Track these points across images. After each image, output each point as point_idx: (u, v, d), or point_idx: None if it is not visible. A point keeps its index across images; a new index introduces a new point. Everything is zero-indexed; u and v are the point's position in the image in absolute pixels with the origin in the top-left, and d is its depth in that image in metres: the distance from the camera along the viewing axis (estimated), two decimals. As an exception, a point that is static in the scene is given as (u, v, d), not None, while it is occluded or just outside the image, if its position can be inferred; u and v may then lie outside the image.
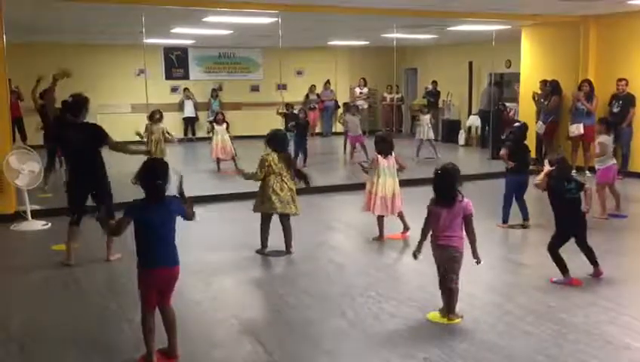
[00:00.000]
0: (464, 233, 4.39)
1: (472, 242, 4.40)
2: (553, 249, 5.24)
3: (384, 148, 6.59)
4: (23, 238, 7.25)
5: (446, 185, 4.34)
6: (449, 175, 4.36)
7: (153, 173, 3.73)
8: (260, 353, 4.03)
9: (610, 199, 7.68)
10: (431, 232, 4.42)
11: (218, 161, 11.37)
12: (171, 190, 3.84)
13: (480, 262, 4.44)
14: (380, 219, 6.69)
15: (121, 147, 6.14)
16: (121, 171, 5.70)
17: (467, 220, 4.35)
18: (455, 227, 4.32)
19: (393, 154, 6.65)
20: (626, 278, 5.49)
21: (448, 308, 4.45)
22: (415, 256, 4.49)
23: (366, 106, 17.25)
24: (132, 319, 4.45)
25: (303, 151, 11.80)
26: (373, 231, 6.98)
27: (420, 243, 4.47)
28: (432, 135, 13.01)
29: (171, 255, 3.80)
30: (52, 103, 6.16)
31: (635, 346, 4.04)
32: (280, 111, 12.54)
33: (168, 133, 10.35)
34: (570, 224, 5.26)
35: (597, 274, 5.31)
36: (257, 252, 6.21)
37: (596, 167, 7.68)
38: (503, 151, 7.27)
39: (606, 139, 7.52)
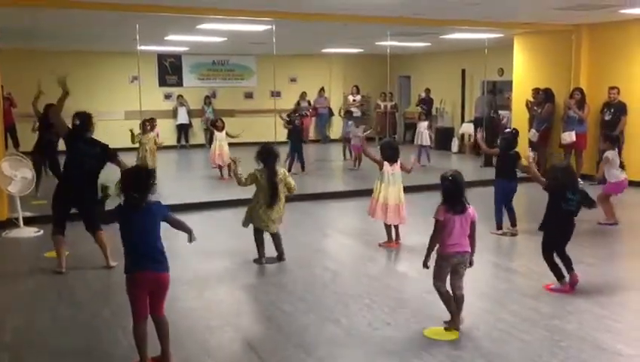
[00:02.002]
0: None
1: (474, 247, 4.44)
2: (548, 256, 5.25)
3: (391, 154, 6.61)
4: (15, 245, 7.21)
5: (459, 193, 4.34)
6: (460, 182, 4.36)
7: (131, 184, 3.76)
8: (253, 360, 4.03)
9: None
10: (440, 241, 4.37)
11: (220, 167, 11.36)
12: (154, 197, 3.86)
13: (472, 265, 4.47)
14: (387, 225, 6.70)
15: (123, 166, 6.12)
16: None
17: (473, 226, 4.38)
18: (465, 233, 4.36)
19: (399, 161, 6.68)
20: (619, 285, 5.52)
21: (458, 315, 4.41)
22: (427, 266, 4.42)
23: (359, 114, 17.29)
24: (125, 326, 4.42)
25: (300, 157, 11.82)
26: (368, 239, 7.00)
27: (429, 253, 4.41)
28: (428, 141, 13.09)
29: (157, 260, 3.78)
30: (60, 119, 6.21)
31: (627, 353, 4.06)
32: (284, 118, 12.52)
33: (156, 142, 10.37)
34: (556, 231, 5.26)
35: (573, 281, 5.22)
36: (255, 261, 6.19)
37: (608, 181, 7.71)
38: (479, 136, 7.67)
39: (612, 153, 7.62)
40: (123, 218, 3.80)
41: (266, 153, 5.99)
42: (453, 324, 4.39)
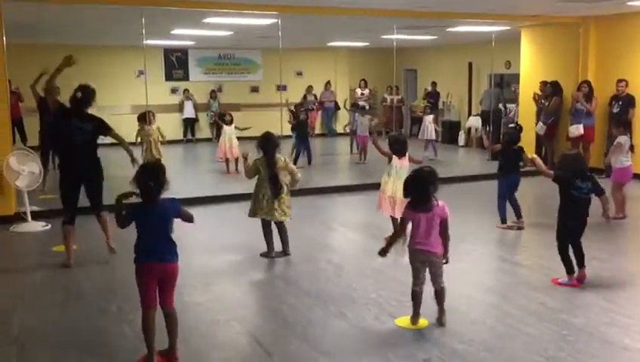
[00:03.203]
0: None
1: (446, 244, 4.33)
2: (562, 246, 5.21)
3: (399, 148, 6.57)
4: (23, 240, 7.25)
5: (421, 190, 4.26)
6: (423, 179, 4.27)
7: (146, 175, 3.79)
8: (260, 354, 4.04)
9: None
10: (409, 237, 4.40)
11: (227, 161, 11.39)
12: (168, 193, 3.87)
13: (447, 262, 4.40)
14: (394, 218, 6.69)
15: (120, 139, 6.16)
16: (115, 174, 5.71)
17: (443, 224, 4.28)
18: (434, 232, 4.26)
19: (407, 154, 6.65)
20: (626, 279, 5.50)
21: (440, 310, 4.41)
22: (382, 254, 4.46)
23: (367, 107, 17.25)
24: (132, 320, 4.46)
25: (307, 151, 11.83)
26: (374, 232, 6.99)
27: (391, 244, 4.46)
28: (434, 135, 13.05)
29: (166, 251, 3.80)
30: (53, 94, 6.15)
31: (634, 347, 4.05)
32: (291, 110, 12.57)
33: (161, 135, 10.48)
34: (570, 223, 5.21)
35: (581, 278, 5.22)
36: (263, 255, 6.19)
37: (613, 167, 7.69)
38: (487, 143, 7.32)
39: (624, 139, 7.56)
40: (138, 215, 3.81)
41: (265, 141, 5.97)
42: (414, 321, 4.40)
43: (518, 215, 7.22)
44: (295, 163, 10.89)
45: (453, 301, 4.83)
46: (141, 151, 10.11)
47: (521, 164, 7.17)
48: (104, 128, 5.99)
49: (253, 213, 6.13)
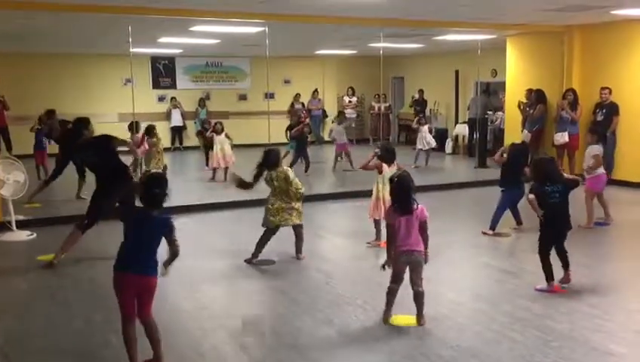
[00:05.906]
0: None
1: (426, 244, 4.50)
2: (544, 253, 5.25)
3: (388, 157, 6.70)
4: (8, 249, 7.18)
5: (405, 194, 4.45)
6: (404, 183, 4.46)
7: (151, 183, 3.86)
8: (246, 362, 4.03)
9: (598, 208, 7.72)
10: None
11: (214, 170, 11.41)
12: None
13: (427, 261, 4.54)
14: (377, 222, 6.73)
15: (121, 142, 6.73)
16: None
17: (423, 226, 4.47)
18: (414, 233, 4.44)
19: (396, 162, 6.74)
20: (611, 285, 5.55)
21: (419, 312, 4.52)
22: (384, 267, 4.58)
23: (354, 115, 17.33)
24: (118, 330, 4.38)
25: (305, 159, 11.91)
26: (362, 239, 7.00)
27: (389, 255, 4.55)
28: (433, 143, 13.09)
29: (147, 264, 3.77)
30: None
31: (618, 352, 4.08)
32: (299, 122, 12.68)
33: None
34: (551, 230, 5.26)
35: (566, 280, 5.30)
36: (246, 261, 6.20)
37: (585, 176, 7.69)
38: (497, 156, 7.42)
39: (599, 150, 7.55)
40: (129, 222, 3.83)
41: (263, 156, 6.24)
42: (386, 317, 4.55)
43: (518, 221, 7.34)
44: (291, 167, 10.93)
45: (440, 307, 4.86)
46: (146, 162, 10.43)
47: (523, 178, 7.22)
48: (109, 143, 6.43)
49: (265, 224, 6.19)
